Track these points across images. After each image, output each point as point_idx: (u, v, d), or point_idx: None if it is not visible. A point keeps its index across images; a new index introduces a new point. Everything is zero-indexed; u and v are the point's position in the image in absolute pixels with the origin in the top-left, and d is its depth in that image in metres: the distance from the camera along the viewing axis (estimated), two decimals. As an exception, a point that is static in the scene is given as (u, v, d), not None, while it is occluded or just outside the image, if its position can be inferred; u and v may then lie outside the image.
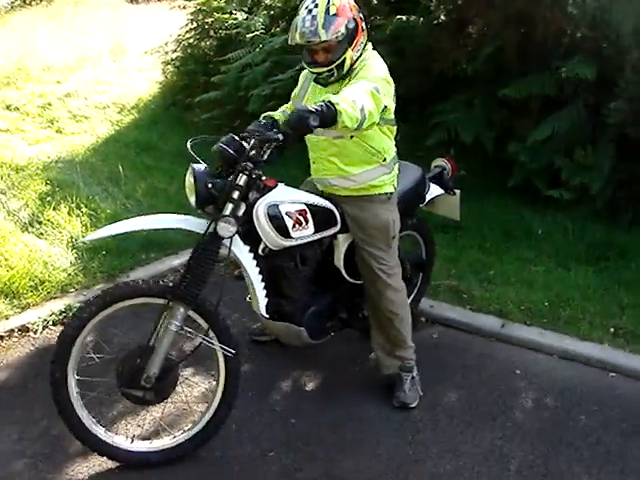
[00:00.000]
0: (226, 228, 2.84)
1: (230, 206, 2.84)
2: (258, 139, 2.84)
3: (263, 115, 3.39)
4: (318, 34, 2.97)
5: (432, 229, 4.23)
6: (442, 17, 6.12)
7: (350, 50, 3.05)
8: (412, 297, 4.06)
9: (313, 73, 3.16)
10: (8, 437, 3.08)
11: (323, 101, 2.67)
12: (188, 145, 3.00)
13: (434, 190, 3.87)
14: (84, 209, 5.15)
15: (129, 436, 3.05)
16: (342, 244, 3.36)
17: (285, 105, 3.49)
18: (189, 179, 2.91)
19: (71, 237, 4.76)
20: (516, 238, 5.27)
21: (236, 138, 2.92)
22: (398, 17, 6.06)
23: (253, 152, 2.85)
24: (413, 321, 3.61)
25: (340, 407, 3.41)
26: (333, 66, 3.06)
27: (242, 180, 2.84)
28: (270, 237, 3.00)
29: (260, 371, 3.68)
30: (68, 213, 5.07)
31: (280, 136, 2.78)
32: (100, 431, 2.94)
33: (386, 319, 3.41)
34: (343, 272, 3.41)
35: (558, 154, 5.52)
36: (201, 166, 2.91)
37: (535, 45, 5.61)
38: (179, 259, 4.75)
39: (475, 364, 3.80)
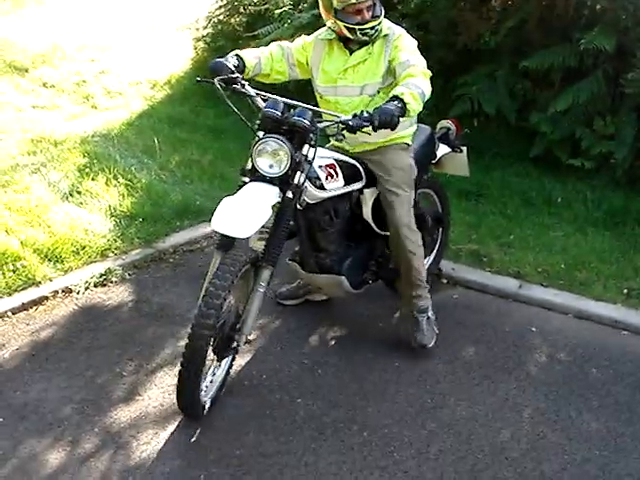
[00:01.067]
0: (305, 197, 3.18)
1: (299, 175, 3.06)
2: (344, 124, 3.00)
3: (234, 53, 3.45)
4: None
5: (453, 196, 4.43)
6: (465, -10, 6.25)
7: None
8: (435, 252, 4.36)
9: (364, 30, 3.34)
10: (57, 386, 3.31)
11: (395, 97, 3.03)
12: (216, 83, 3.15)
13: (443, 148, 4.09)
14: (121, 179, 5.36)
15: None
16: (369, 198, 3.63)
17: (259, 51, 3.58)
18: (272, 147, 2.96)
19: (109, 205, 4.98)
20: (536, 205, 5.45)
21: (310, 109, 3.08)
22: (422, -9, 6.21)
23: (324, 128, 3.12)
24: (435, 280, 3.96)
25: (364, 360, 3.62)
26: (381, 19, 3.37)
27: (306, 149, 3.06)
28: (308, 191, 3.19)
29: (288, 328, 3.89)
30: (106, 183, 5.29)
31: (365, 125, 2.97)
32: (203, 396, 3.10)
33: (406, 260, 3.60)
34: (372, 224, 3.67)
35: (579, 124, 5.66)
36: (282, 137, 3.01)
37: (556, 17, 5.75)
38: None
39: (493, 322, 4.00)
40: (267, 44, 6.74)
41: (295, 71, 3.64)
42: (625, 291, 4.23)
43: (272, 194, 3.00)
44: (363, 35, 3.38)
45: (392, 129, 3.02)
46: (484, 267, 4.54)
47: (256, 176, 3.04)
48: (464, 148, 4.20)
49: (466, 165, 4.25)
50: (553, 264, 4.53)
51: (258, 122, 3.14)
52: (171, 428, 3.07)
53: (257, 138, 3.05)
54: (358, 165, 3.55)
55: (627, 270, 4.49)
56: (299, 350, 3.70)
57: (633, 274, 4.44)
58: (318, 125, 3.09)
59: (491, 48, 6.06)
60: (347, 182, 3.46)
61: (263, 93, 3.26)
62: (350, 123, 2.98)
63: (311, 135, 3.05)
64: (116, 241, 4.59)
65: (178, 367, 3.37)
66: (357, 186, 3.57)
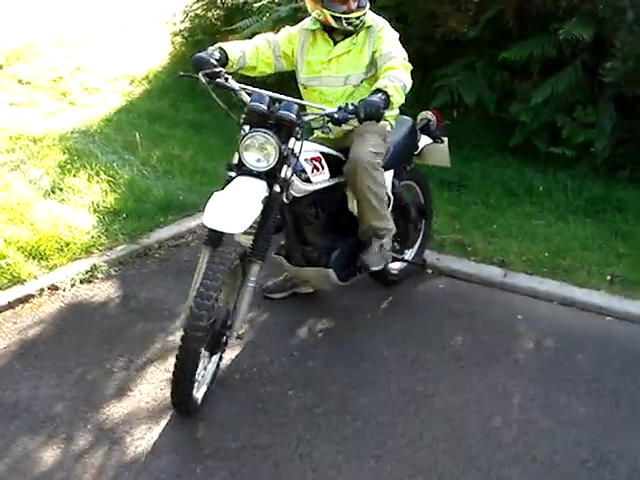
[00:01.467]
0: (291, 191, 3.17)
1: (286, 168, 3.07)
2: (330, 117, 3.04)
3: (217, 46, 3.46)
4: None
5: (435, 187, 4.47)
6: (443, -17, 6.27)
7: None
8: (418, 243, 4.41)
9: (350, 20, 3.41)
10: (47, 384, 3.28)
11: (378, 90, 3.12)
12: (201, 77, 3.17)
13: (424, 139, 4.13)
14: (103, 176, 5.32)
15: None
16: None
17: (243, 44, 3.60)
18: (260, 141, 2.97)
19: (92, 202, 4.95)
20: (518, 195, 5.52)
21: (296, 103, 3.10)
22: (401, -16, 6.24)
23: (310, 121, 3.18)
24: (420, 271, 4.14)
25: (353, 351, 3.64)
26: (366, 9, 3.46)
27: (292, 143, 3.08)
28: (294, 184, 3.20)
29: (276, 321, 3.90)
30: (87, 180, 5.25)
31: (351, 118, 3.04)
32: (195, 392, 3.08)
33: (367, 201, 3.49)
34: (358, 216, 3.66)
35: (559, 113, 5.73)
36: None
37: (534, 8, 5.81)
38: (195, 220, 4.93)
39: (479, 311, 4.04)
40: (246, 37, 6.76)
41: (281, 62, 3.67)
42: (608, 278, 4.30)
43: (261, 188, 3.00)
44: (348, 25, 3.45)
45: (377, 121, 3.10)
46: (469, 256, 4.59)
47: (243, 170, 3.05)
48: (445, 139, 4.23)
49: (447, 156, 4.28)
50: (537, 252, 4.59)
51: (243, 116, 3.14)
52: (164, 423, 3.07)
53: (244, 132, 3.06)
54: (343, 157, 3.57)
55: (609, 257, 4.56)
56: (288, 342, 3.72)
57: (616, 261, 4.51)
58: (304, 118, 3.11)
59: (470, 40, 6.11)
60: (333, 174, 3.50)
61: (247, 87, 3.27)
62: (336, 116, 3.03)
63: (297, 128, 3.07)
64: (100, 237, 4.56)
65: (169, 362, 3.42)
66: (343, 178, 3.59)
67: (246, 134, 3.01)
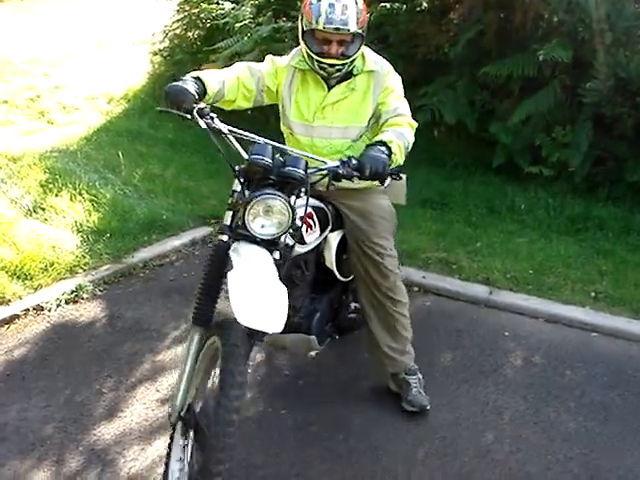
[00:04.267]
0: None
1: (286, 234, 2.60)
2: (338, 174, 2.59)
3: (195, 75, 2.82)
4: (348, 24, 2.82)
5: (419, 206, 4.49)
6: (424, 4, 6.35)
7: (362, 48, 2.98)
8: None
9: (322, 64, 2.92)
10: (36, 406, 3.25)
11: (383, 143, 2.71)
12: (196, 117, 2.60)
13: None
14: (85, 195, 5.30)
15: None
16: (333, 243, 3.24)
17: (223, 73, 3.02)
18: (275, 206, 2.46)
19: (75, 221, 4.92)
20: (500, 213, 5.59)
21: (303, 158, 2.58)
22: (382, 4, 6.30)
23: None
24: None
25: (343, 370, 3.65)
26: (348, 61, 2.91)
27: (294, 201, 2.57)
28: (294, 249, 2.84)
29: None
30: (70, 199, 5.22)
31: (355, 175, 2.60)
32: None
33: (391, 311, 3.27)
34: (335, 272, 3.30)
35: (538, 133, 5.82)
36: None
37: (514, 29, 5.90)
38: (180, 240, 4.95)
39: (467, 328, 4.06)
40: (227, 57, 6.79)
41: (262, 97, 3.15)
42: (592, 294, 4.36)
43: (270, 261, 2.49)
44: (321, 69, 2.95)
45: (381, 182, 2.66)
46: (454, 274, 4.62)
47: (240, 235, 2.53)
48: (404, 176, 4.08)
49: (404, 193, 3.82)
50: (521, 270, 4.64)
51: (238, 168, 2.59)
52: (157, 443, 3.04)
53: (243, 191, 2.54)
54: (326, 208, 3.15)
55: (593, 274, 4.62)
56: (278, 362, 3.71)
57: (599, 278, 4.58)
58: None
59: (451, 60, 6.19)
60: (322, 230, 3.10)
61: (235, 130, 2.68)
62: (340, 172, 2.59)
63: (301, 187, 2.58)
64: (85, 257, 4.53)
65: (159, 382, 3.45)
66: (327, 232, 3.18)
67: (253, 197, 2.47)
